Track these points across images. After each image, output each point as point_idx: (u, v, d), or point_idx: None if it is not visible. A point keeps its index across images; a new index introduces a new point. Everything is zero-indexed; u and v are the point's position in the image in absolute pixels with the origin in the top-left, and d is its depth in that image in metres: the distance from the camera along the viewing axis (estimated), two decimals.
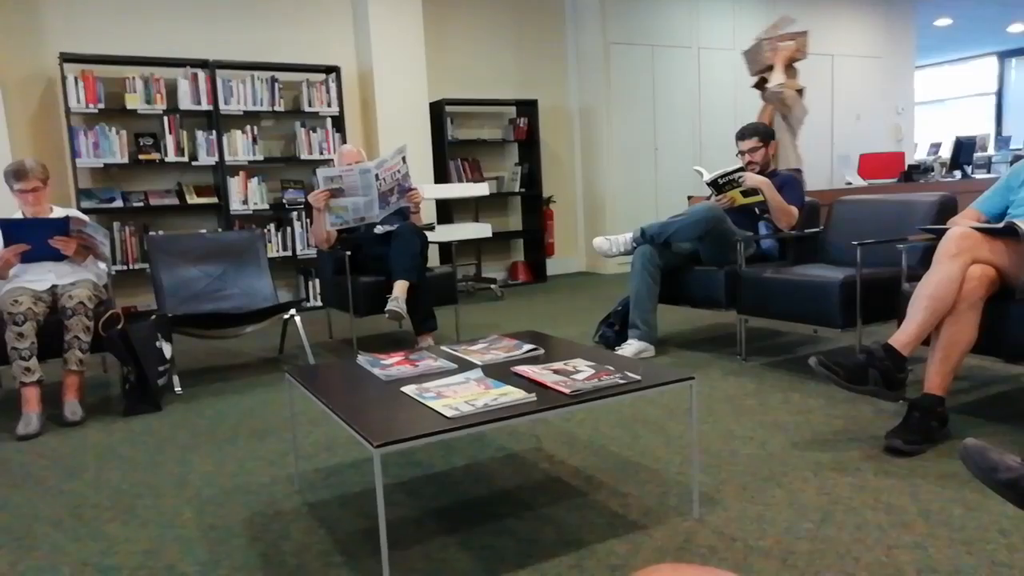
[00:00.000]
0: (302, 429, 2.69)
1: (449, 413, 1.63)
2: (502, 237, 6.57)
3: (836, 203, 3.63)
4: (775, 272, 3.28)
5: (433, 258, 5.22)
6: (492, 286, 5.94)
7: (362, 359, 2.19)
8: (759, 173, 3.68)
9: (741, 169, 3.66)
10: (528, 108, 6.62)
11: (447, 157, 6.20)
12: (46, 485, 2.30)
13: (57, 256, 3.20)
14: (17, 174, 3.22)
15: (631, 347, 3.56)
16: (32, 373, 2.92)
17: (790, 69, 4.53)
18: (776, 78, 4.45)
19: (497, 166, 6.80)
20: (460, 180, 6.32)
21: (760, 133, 3.76)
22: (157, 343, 3.20)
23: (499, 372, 1.97)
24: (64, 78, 4.72)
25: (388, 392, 1.86)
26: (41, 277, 3.19)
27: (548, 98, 6.95)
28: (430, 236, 4.21)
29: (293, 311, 3.71)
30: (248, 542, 1.84)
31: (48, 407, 2.98)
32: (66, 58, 4.75)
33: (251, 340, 4.43)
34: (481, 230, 5.80)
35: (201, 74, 5.15)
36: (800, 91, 4.50)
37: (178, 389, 3.35)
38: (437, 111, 6.15)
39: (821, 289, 3.04)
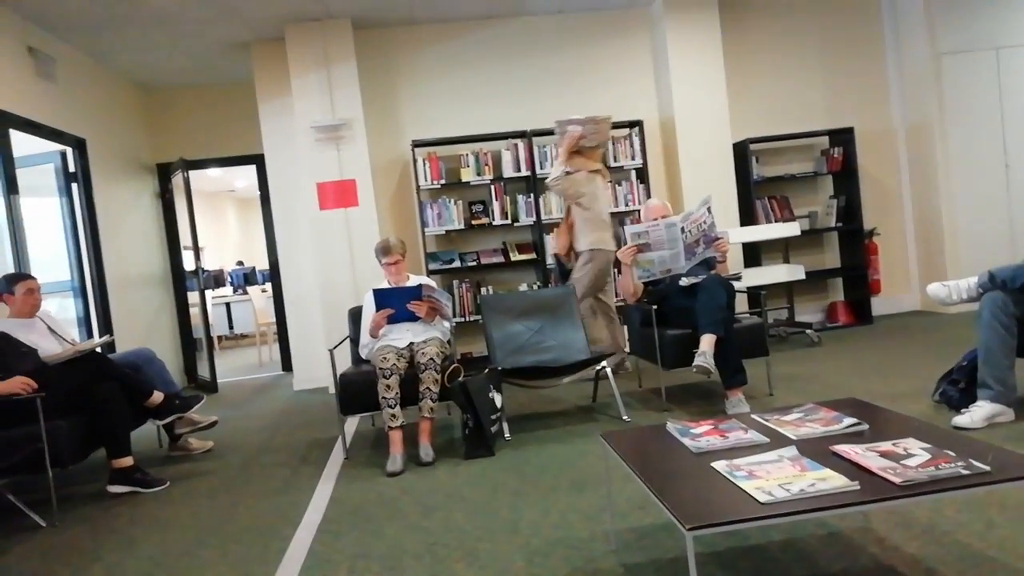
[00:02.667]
0: (616, 485, 2.83)
1: (763, 498, 1.61)
2: (817, 277, 6.16)
3: None
4: None
5: (742, 303, 5.09)
6: (807, 331, 5.59)
7: (671, 427, 2.25)
8: None
9: None
10: (843, 136, 6.16)
11: (753, 196, 6.03)
12: (409, 520, 2.74)
13: (412, 318, 3.82)
14: (384, 250, 3.94)
15: (981, 410, 3.09)
16: (397, 419, 3.51)
17: (578, 156, 4.69)
18: (555, 171, 4.64)
19: (809, 201, 6.41)
20: (768, 220, 6.09)
21: None
22: (490, 394, 3.62)
23: (816, 450, 1.89)
24: (415, 160, 5.63)
25: (698, 466, 1.90)
26: (401, 336, 3.83)
27: (866, 123, 6.39)
28: (737, 284, 4.14)
29: (605, 364, 3.92)
30: None
31: (408, 447, 3.55)
32: (416, 144, 5.66)
33: (568, 388, 4.75)
34: (793, 271, 5.51)
35: (520, 144, 5.74)
36: (597, 171, 4.72)
37: (507, 436, 3.73)
38: (741, 151, 6.03)
39: None
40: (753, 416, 2.30)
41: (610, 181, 4.91)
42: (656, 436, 2.22)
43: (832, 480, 1.66)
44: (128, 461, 3.48)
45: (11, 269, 4.19)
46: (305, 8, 5.24)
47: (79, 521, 3.17)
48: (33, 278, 3.81)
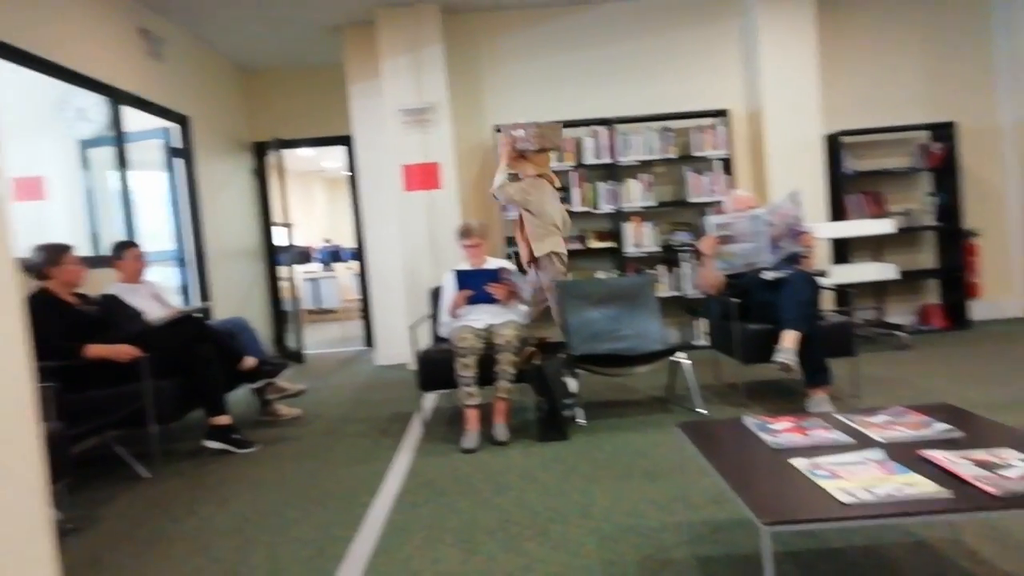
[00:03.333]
0: (690, 477, 2.82)
1: (845, 499, 1.59)
2: (910, 277, 5.89)
3: None
4: None
5: (828, 301, 4.93)
6: (898, 333, 5.37)
7: (749, 421, 2.23)
8: None
9: None
10: (944, 131, 5.84)
11: (843, 192, 5.81)
12: (482, 496, 2.82)
13: (491, 300, 3.89)
14: (465, 233, 4.03)
15: None
16: (473, 398, 3.59)
17: (524, 162, 4.47)
18: (497, 178, 4.43)
19: (904, 198, 6.13)
20: (859, 216, 5.86)
21: None
22: (565, 378, 3.65)
23: (904, 454, 1.84)
24: (497, 146, 5.67)
25: (776, 462, 1.88)
26: (479, 317, 3.90)
27: (968, 117, 6.04)
28: (824, 281, 4.02)
29: (682, 354, 3.88)
30: None
31: (483, 425, 3.62)
32: (497, 129, 5.70)
33: (643, 377, 4.73)
34: (885, 271, 5.29)
35: (603, 131, 5.71)
36: (543, 175, 4.47)
37: (581, 421, 3.76)
38: (833, 143, 5.82)
39: None
40: (837, 416, 2.25)
41: (560, 188, 4.80)
42: (733, 430, 2.20)
43: (921, 486, 1.62)
44: (225, 419, 3.70)
45: (122, 238, 4.48)
46: None
47: (176, 475, 3.39)
48: (139, 246, 4.07)
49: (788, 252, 3.84)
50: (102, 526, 2.80)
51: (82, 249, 4.02)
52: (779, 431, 2.12)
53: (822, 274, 4.07)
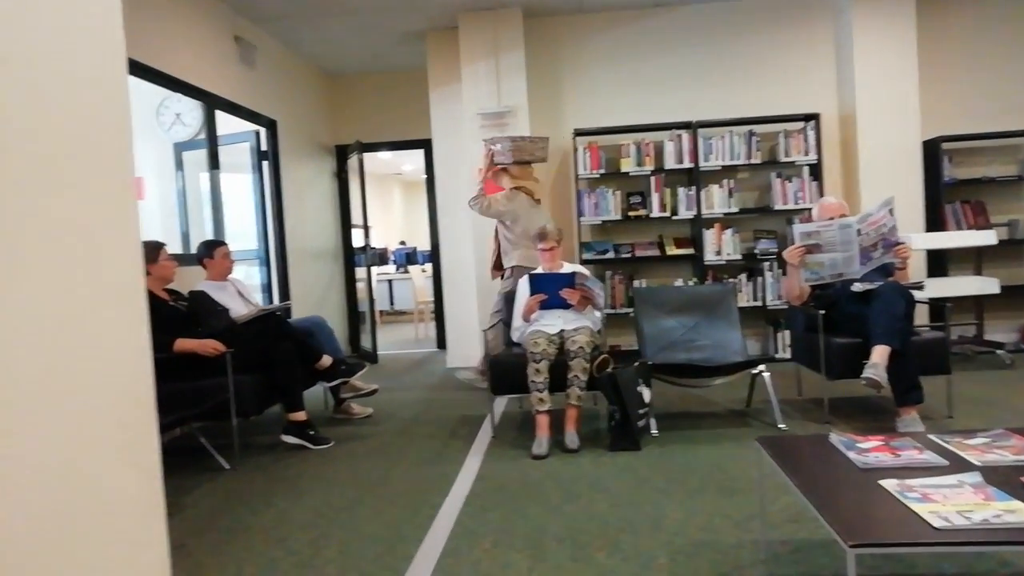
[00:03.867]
0: (769, 495, 2.71)
1: (937, 523, 1.48)
2: (1014, 293, 5.50)
3: None
4: None
5: (922, 315, 4.67)
6: (998, 351, 5.02)
7: (835, 438, 2.12)
8: None
9: None
10: None
11: (942, 200, 5.49)
12: (552, 504, 2.78)
13: (565, 305, 3.85)
14: (541, 236, 4.00)
15: None
16: (544, 403, 3.56)
17: (504, 175, 4.69)
18: (475, 190, 4.64)
19: (1009, 208, 5.74)
20: (959, 227, 5.53)
21: None
22: (639, 387, 3.58)
23: (1004, 479, 1.71)
24: (575, 149, 5.65)
25: (864, 482, 1.78)
26: (553, 322, 3.87)
27: None
28: (918, 295, 3.80)
29: (762, 367, 3.75)
30: None
31: (553, 432, 3.59)
32: (578, 133, 5.67)
33: (720, 390, 4.59)
34: (986, 285, 4.97)
35: (684, 135, 5.59)
36: (520, 187, 4.69)
37: (655, 431, 3.68)
38: (931, 150, 5.51)
39: None
40: (930, 436, 2.11)
41: (538, 200, 4.79)
42: (817, 447, 2.10)
43: (1023, 513, 1.49)
44: (302, 416, 3.80)
45: (210, 236, 4.68)
46: None
47: (255, 468, 3.50)
48: (226, 244, 4.24)
49: (881, 263, 3.64)
50: (187, 513, 2.92)
51: (173, 247, 4.22)
52: (868, 450, 2.00)
53: (917, 287, 3.85)
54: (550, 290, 3.84)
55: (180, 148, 5.07)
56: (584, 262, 5.64)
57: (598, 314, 3.99)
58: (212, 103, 4.89)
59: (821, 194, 5.43)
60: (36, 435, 1.05)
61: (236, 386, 3.49)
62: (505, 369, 3.76)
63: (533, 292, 3.86)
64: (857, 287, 3.73)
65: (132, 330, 1.27)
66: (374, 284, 7.50)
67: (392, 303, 11.21)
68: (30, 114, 1.07)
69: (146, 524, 1.32)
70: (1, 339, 1.00)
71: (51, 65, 1.12)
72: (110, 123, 1.23)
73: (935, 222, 5.51)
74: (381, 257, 11.80)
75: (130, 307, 1.27)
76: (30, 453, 1.05)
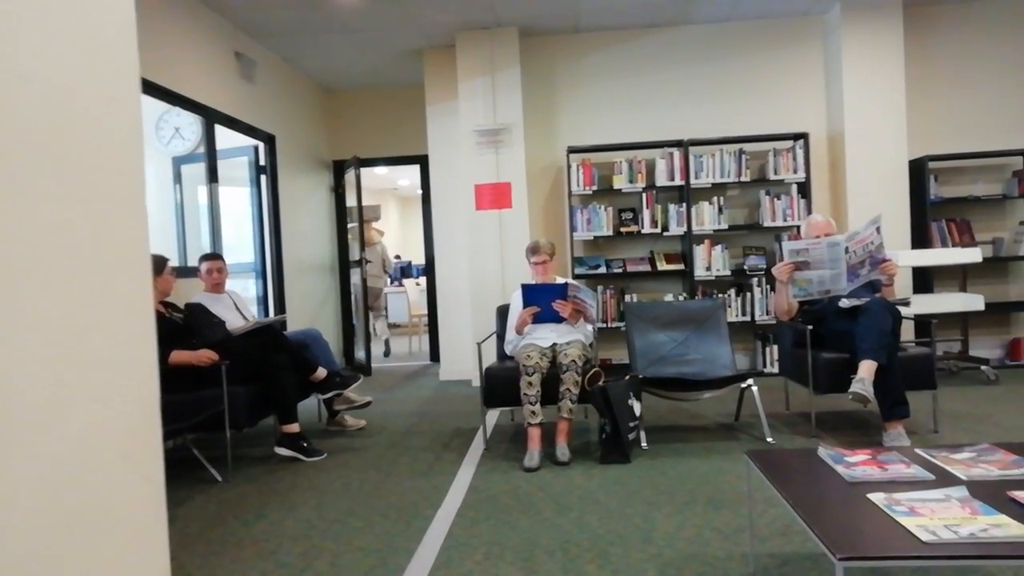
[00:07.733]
0: (757, 508, 2.74)
1: (925, 537, 1.52)
2: (998, 309, 5.59)
3: None
4: None
5: (907, 332, 4.74)
6: (983, 367, 5.09)
7: (823, 452, 2.16)
8: None
9: None
10: None
11: (928, 219, 5.58)
12: (543, 516, 2.81)
13: (557, 318, 3.89)
14: (534, 250, 4.06)
15: None
16: (536, 416, 3.59)
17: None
18: None
19: (994, 226, 5.84)
20: (944, 244, 5.61)
21: None
22: (629, 401, 3.62)
23: (990, 494, 1.75)
24: (569, 167, 5.71)
25: (852, 496, 1.81)
26: (545, 336, 3.91)
27: None
28: (904, 311, 3.86)
29: (751, 381, 3.79)
30: None
31: (545, 444, 3.62)
32: (571, 150, 5.74)
33: (710, 403, 4.64)
34: (970, 301, 5.05)
35: (676, 153, 5.67)
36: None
37: (644, 444, 3.71)
38: (918, 169, 5.60)
39: None
40: (916, 450, 2.16)
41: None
42: (806, 460, 2.14)
43: (1010, 528, 1.54)
44: (295, 428, 3.82)
45: (208, 249, 4.70)
46: (477, 17, 5.48)
47: (248, 480, 3.51)
48: (218, 258, 4.26)
49: (868, 279, 3.71)
50: (178, 525, 2.93)
51: (171, 260, 4.23)
52: (855, 464, 2.04)
53: (904, 303, 3.91)
54: (542, 301, 3.88)
55: (179, 162, 5.10)
56: (576, 277, 5.70)
57: (590, 328, 4.04)
58: (212, 117, 4.93)
59: (809, 212, 5.51)
60: (46, 442, 1.08)
61: (230, 398, 3.50)
62: (499, 382, 3.79)
63: (525, 303, 3.90)
64: (844, 303, 3.79)
65: (142, 340, 1.30)
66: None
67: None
68: (49, 129, 1.11)
69: (151, 534, 1.34)
70: (17, 348, 1.04)
71: (68, 81, 1.16)
72: (124, 139, 1.27)
73: (921, 240, 5.59)
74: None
75: (140, 318, 1.31)
76: (40, 460, 1.08)
